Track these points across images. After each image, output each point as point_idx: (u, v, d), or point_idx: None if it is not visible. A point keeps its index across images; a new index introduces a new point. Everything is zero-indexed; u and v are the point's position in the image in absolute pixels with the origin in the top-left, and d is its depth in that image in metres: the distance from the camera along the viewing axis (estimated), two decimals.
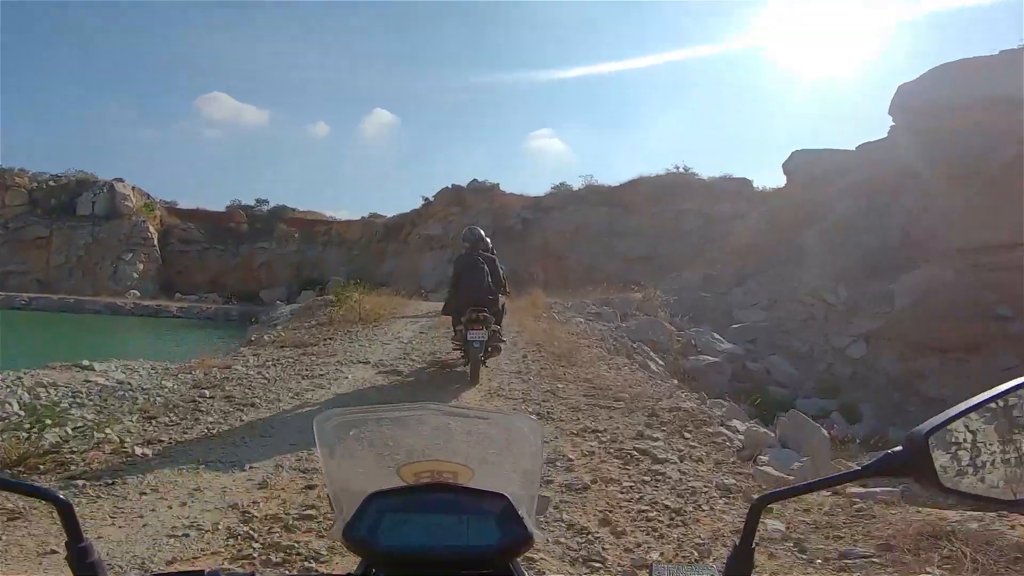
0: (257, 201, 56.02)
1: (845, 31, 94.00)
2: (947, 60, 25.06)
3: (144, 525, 3.30)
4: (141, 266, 45.31)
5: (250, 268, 51.33)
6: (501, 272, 7.61)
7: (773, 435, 6.60)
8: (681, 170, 40.06)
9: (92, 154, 77.06)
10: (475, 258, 7.33)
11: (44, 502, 0.84)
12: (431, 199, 43.96)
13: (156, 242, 47.17)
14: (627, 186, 39.83)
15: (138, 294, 42.79)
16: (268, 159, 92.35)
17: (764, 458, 5.26)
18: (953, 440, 0.84)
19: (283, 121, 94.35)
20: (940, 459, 0.83)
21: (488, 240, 7.98)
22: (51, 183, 45.87)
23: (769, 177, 55.16)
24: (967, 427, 0.83)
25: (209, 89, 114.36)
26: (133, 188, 47.35)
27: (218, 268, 50.73)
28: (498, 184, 41.97)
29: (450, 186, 42.17)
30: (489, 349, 7.35)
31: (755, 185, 38.05)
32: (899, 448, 0.84)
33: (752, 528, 0.87)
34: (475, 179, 41.72)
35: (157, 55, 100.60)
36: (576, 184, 42.54)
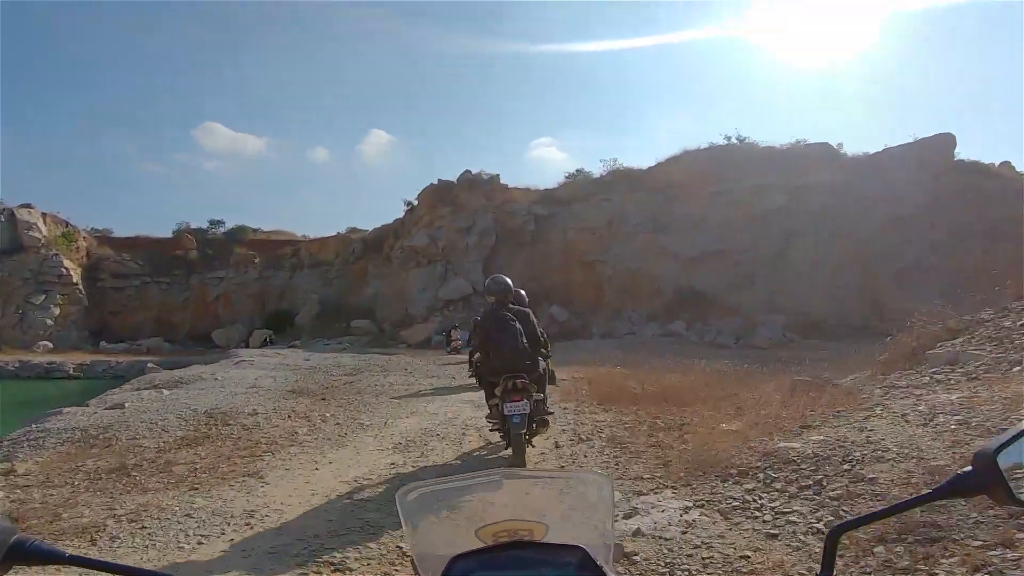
0: (211, 223, 46.89)
1: (837, 21, 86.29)
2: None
3: None
4: (57, 310, 36.04)
5: (203, 302, 42.24)
6: (538, 329, 6.10)
7: None
8: (734, 140, 30.62)
9: (93, 190, 72.65)
10: (503, 314, 5.88)
11: None
12: (415, 202, 34.60)
13: (79, 279, 37.88)
14: (667, 166, 30.39)
15: (50, 345, 33.57)
16: (273, 188, 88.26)
17: None
18: (1022, 455, 0.88)
19: (282, 147, 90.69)
20: (1011, 474, 0.87)
21: (523, 292, 7.22)
22: None
23: None
24: None
25: (203, 119, 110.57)
26: (45, 215, 38.14)
27: (163, 305, 41.61)
28: (498, 176, 32.58)
29: (436, 182, 32.69)
30: (534, 424, 5.91)
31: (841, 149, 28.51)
32: (969, 468, 0.89)
33: (831, 558, 0.91)
34: (468, 170, 32.27)
35: (151, 87, 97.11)
36: (596, 170, 33.24)
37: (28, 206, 37.93)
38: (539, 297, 29.49)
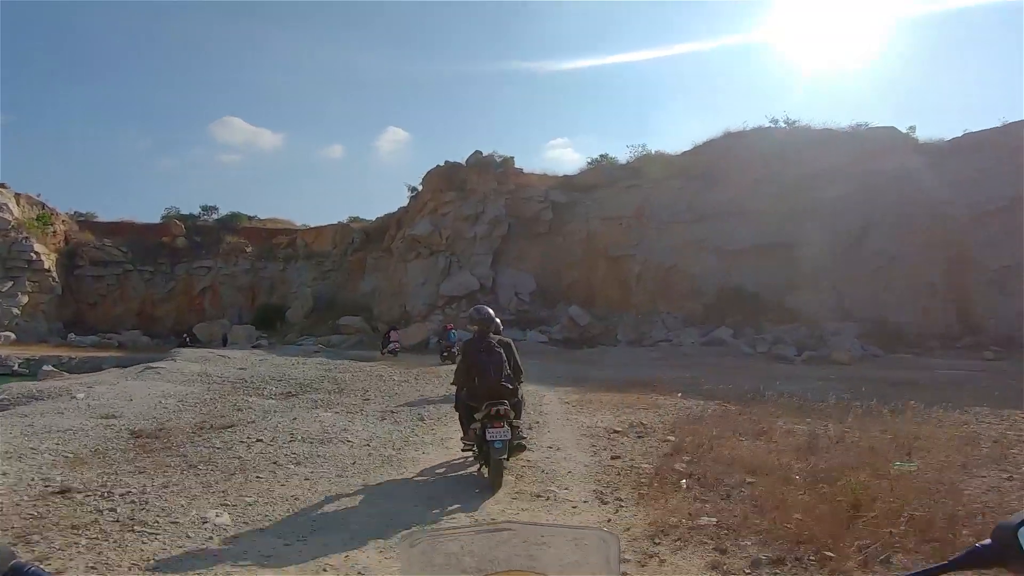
0: (203, 209, 43.55)
1: (850, 27, 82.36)
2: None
3: None
4: (25, 298, 32.82)
5: (189, 294, 38.94)
6: (517, 358, 6.33)
7: None
8: (782, 124, 26.54)
9: (110, 184, 72.40)
10: (489, 342, 6.16)
11: None
12: (419, 187, 30.88)
13: (52, 265, 34.65)
14: (706, 149, 26.38)
15: (12, 336, 30.32)
16: (285, 182, 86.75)
17: None
18: None
19: (298, 143, 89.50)
20: None
21: (499, 322, 6.99)
22: None
23: None
24: None
25: (220, 113, 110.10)
26: (19, 196, 34.91)
27: (145, 296, 38.36)
28: (512, 159, 28.71)
29: (443, 163, 28.93)
30: (510, 449, 5.99)
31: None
32: (988, 541, 0.89)
33: None
34: (478, 151, 28.46)
35: (168, 80, 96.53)
36: (623, 157, 29.29)
37: (1, 185, 34.67)
38: (556, 296, 25.76)
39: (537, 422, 8.36)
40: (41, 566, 0.88)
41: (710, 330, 20.63)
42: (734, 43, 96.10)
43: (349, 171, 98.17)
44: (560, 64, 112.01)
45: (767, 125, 26.56)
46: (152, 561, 3.73)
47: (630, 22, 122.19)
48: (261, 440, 7.00)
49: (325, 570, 3.71)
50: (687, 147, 27.49)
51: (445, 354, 17.01)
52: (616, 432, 7.73)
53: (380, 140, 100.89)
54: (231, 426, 7.71)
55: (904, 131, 24.65)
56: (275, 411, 8.82)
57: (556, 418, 8.82)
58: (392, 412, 9.12)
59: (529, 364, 15.60)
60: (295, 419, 8.23)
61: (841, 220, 20.60)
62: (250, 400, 9.78)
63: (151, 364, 12.95)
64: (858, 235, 20.32)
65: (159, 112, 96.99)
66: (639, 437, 7.49)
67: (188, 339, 27.12)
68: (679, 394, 10.30)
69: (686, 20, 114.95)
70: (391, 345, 19.46)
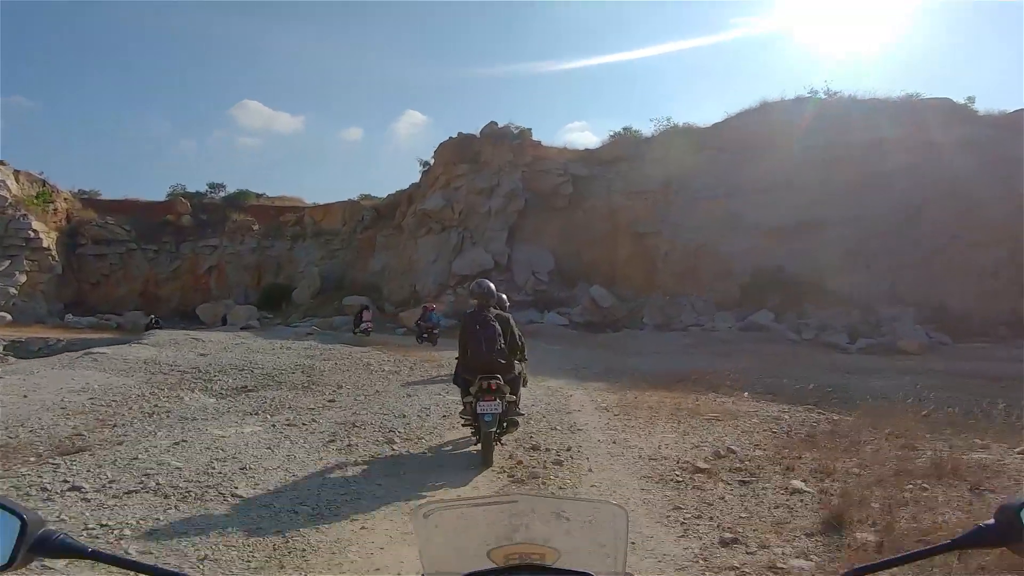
0: (210, 187, 42.14)
1: (867, 15, 78.97)
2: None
3: None
4: (23, 277, 31.66)
5: (194, 274, 37.69)
6: (517, 333, 6.27)
7: None
8: (822, 95, 24.32)
9: (132, 166, 72.94)
10: (485, 315, 6.06)
11: None
12: (431, 162, 29.13)
13: (52, 244, 33.43)
14: (739, 120, 24.31)
15: (8, 317, 29.16)
16: (306, 165, 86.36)
17: None
18: None
19: (317, 126, 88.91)
20: None
21: (504, 297, 7.06)
22: None
23: None
24: None
25: (240, 97, 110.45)
26: (18, 173, 33.64)
27: (149, 276, 37.14)
28: (529, 130, 26.81)
29: (456, 135, 27.12)
30: (504, 424, 6.02)
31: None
32: (991, 521, 0.90)
33: None
34: (493, 122, 26.60)
35: (187, 65, 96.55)
36: (648, 130, 27.24)
37: (0, 162, 33.38)
38: (575, 275, 23.94)
39: (569, 448, 6.08)
40: (66, 535, 0.93)
41: (746, 314, 18.78)
42: (753, 33, 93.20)
43: (366, 154, 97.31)
44: (575, 62, 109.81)
45: (806, 95, 24.50)
46: None
47: (648, 17, 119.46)
48: (80, 489, 4.45)
49: None
50: (718, 119, 25.54)
51: (425, 336, 15.98)
52: (700, 471, 5.19)
53: (398, 123, 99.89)
54: (84, 449, 5.70)
55: (960, 102, 22.51)
56: (192, 418, 6.95)
57: (596, 439, 6.50)
58: (354, 427, 6.70)
59: (549, 351, 13.92)
60: (188, 439, 5.91)
61: (893, 196, 18.56)
62: (185, 398, 8.11)
63: (91, 350, 11.38)
64: (912, 212, 18.28)
65: (180, 96, 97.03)
66: (743, 483, 4.90)
67: (155, 322, 25.73)
68: (744, 393, 8.30)
69: (704, 11, 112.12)
70: (363, 325, 18.81)
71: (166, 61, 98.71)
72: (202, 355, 11.51)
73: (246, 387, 9.05)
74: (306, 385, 9.27)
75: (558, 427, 6.92)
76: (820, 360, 12.50)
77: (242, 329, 22.85)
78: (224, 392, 8.74)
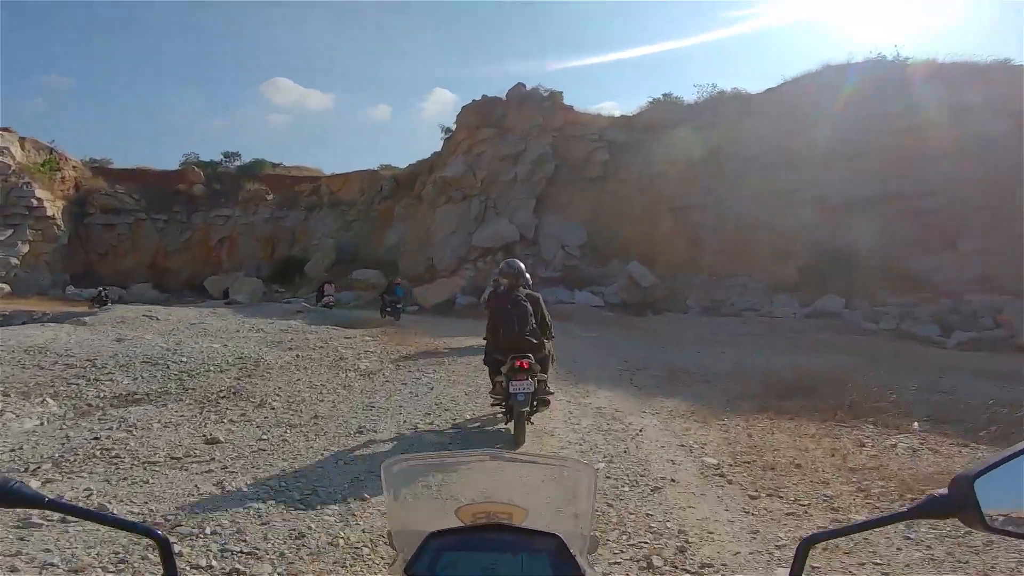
0: (225, 155, 40.55)
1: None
2: None
3: None
4: (26, 247, 30.38)
5: (206, 245, 36.27)
6: (546, 314, 6.26)
7: None
8: (888, 59, 21.52)
9: (161, 142, 74.00)
10: (516, 295, 6.04)
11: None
12: (453, 128, 27.04)
13: (57, 213, 32.07)
14: (795, 86, 21.76)
15: (7, 288, 27.89)
16: (334, 140, 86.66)
17: None
18: (1000, 484, 0.85)
19: (347, 103, 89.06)
20: (986, 502, 0.85)
21: (528, 276, 6.53)
22: None
23: None
24: (1014, 472, 0.85)
25: (271, 75, 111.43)
26: (24, 140, 32.23)
27: (158, 247, 35.76)
28: (560, 93, 24.53)
29: (480, 98, 24.94)
30: (535, 403, 5.94)
31: None
32: (944, 491, 0.89)
33: (800, 566, 0.91)
34: (520, 84, 24.36)
35: (222, 45, 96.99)
36: (690, 97, 24.74)
37: (6, 129, 31.90)
38: (609, 251, 21.67)
39: None
40: (25, 484, 0.91)
41: (809, 299, 16.51)
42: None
43: (395, 131, 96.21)
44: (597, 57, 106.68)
45: (875, 57, 21.82)
46: None
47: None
48: None
49: None
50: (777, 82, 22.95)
51: (388, 309, 15.82)
52: None
53: (427, 101, 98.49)
54: None
55: None
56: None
57: None
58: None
59: (586, 341, 11.93)
60: None
61: (982, 167, 16.03)
62: (22, 409, 5.91)
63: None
64: (1008, 186, 15.76)
65: (212, 73, 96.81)
66: None
67: (104, 293, 23.98)
68: (914, 424, 5.71)
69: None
70: (325, 299, 18.86)
71: (198, 40, 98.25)
72: (118, 341, 9.25)
73: (133, 394, 6.67)
74: (224, 395, 6.81)
75: (655, 554, 3.39)
76: (927, 358, 10.25)
77: (226, 304, 21.22)
78: (91, 403, 6.34)
